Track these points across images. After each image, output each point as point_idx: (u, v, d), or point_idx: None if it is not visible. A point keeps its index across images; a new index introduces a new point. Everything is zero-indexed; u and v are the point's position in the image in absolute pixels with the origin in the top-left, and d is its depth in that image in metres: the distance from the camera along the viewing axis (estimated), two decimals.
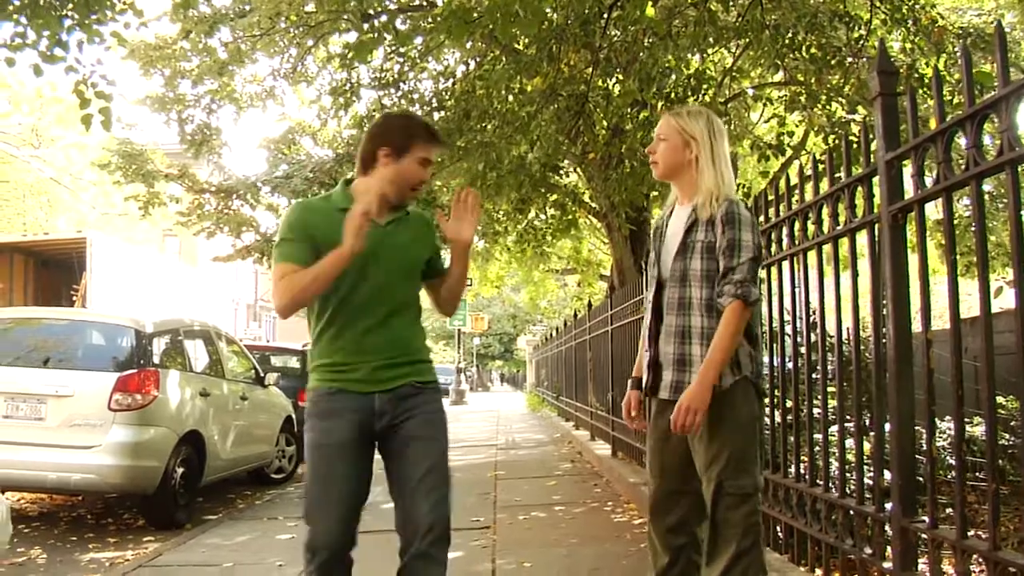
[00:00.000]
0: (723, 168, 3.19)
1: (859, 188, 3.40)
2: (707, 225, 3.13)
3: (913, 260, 3.16)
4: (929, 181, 2.89)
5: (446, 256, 3.46)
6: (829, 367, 3.95)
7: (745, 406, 3.11)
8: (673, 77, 8.47)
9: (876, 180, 3.24)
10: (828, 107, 10.34)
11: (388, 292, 3.13)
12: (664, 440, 3.24)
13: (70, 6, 7.43)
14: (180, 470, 7.39)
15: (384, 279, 3.11)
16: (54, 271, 16.63)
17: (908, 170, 3.06)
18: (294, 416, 10.86)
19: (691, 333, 3.17)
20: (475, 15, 7.10)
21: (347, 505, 3.04)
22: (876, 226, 3.24)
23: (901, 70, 3.96)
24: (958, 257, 3.04)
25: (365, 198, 2.98)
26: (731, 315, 3.03)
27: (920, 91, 6.99)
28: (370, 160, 3.17)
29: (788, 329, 4.32)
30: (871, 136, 3.33)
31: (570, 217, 13.77)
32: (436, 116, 12.27)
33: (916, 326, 3.08)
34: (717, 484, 3.03)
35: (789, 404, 4.21)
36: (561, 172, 11.40)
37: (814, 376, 4.00)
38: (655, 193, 10.84)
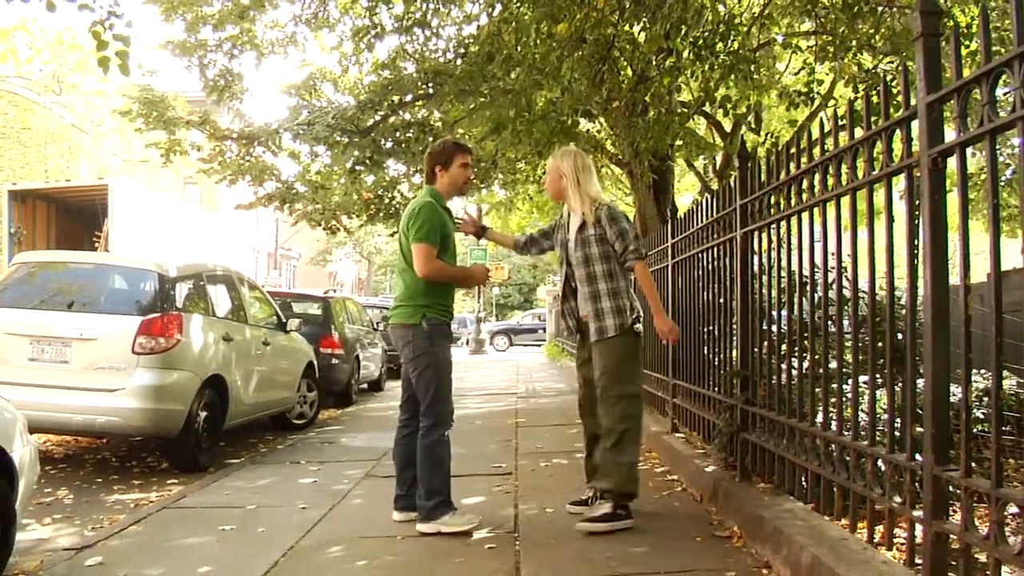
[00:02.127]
0: (586, 188, 5.06)
1: (896, 133, 3.31)
2: (594, 224, 4.98)
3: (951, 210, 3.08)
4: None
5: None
6: (861, 316, 3.88)
7: (629, 341, 4.97)
8: (701, 23, 8.30)
9: (913, 127, 3.15)
10: (859, 56, 10.15)
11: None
12: (585, 364, 5.21)
13: None
14: (203, 414, 7.44)
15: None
16: (76, 218, 16.67)
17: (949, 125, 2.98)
18: (316, 362, 10.90)
19: (599, 294, 4.99)
20: None
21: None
22: (914, 171, 3.16)
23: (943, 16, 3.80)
24: (999, 211, 2.94)
25: (482, 270, 5.56)
26: (641, 270, 5.06)
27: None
28: (431, 175, 5.14)
29: (818, 278, 4.27)
30: (910, 79, 3.23)
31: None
32: (459, 62, 12.13)
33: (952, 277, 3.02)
34: (605, 388, 4.93)
35: (818, 354, 4.16)
36: (592, 118, 11.24)
37: (845, 324, 3.94)
38: (679, 142, 10.72)
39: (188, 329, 7.36)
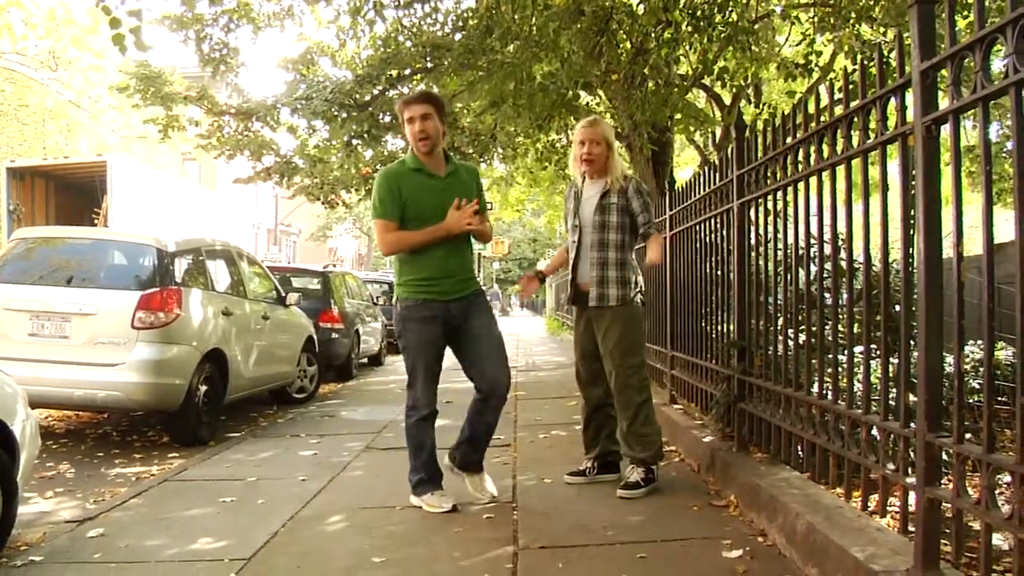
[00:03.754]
0: (618, 158, 5.17)
1: (891, 103, 3.31)
2: (619, 193, 5.02)
3: (945, 182, 3.08)
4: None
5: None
6: (856, 287, 3.89)
7: (635, 311, 5.07)
8: None
9: (908, 97, 3.15)
10: (858, 27, 10.10)
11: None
12: (584, 333, 5.23)
13: None
14: (203, 388, 7.48)
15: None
16: (75, 195, 16.64)
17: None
18: (315, 336, 10.93)
19: (607, 262, 5.02)
20: None
21: (431, 378, 4.74)
22: (908, 139, 3.16)
23: None
24: (991, 177, 2.94)
25: (456, 220, 4.59)
26: (656, 239, 4.99)
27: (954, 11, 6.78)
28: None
29: (814, 250, 4.28)
30: (905, 48, 3.22)
31: None
32: (457, 36, 12.08)
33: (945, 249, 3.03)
34: (618, 362, 4.97)
35: (814, 325, 4.17)
36: (590, 90, 11.20)
37: (840, 296, 3.95)
38: (678, 115, 10.69)
39: (187, 303, 7.38)
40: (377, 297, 16.71)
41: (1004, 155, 15.06)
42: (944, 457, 2.95)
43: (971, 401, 4.56)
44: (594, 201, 5.06)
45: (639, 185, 5.11)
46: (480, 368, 4.71)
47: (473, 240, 4.96)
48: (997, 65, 2.67)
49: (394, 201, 4.55)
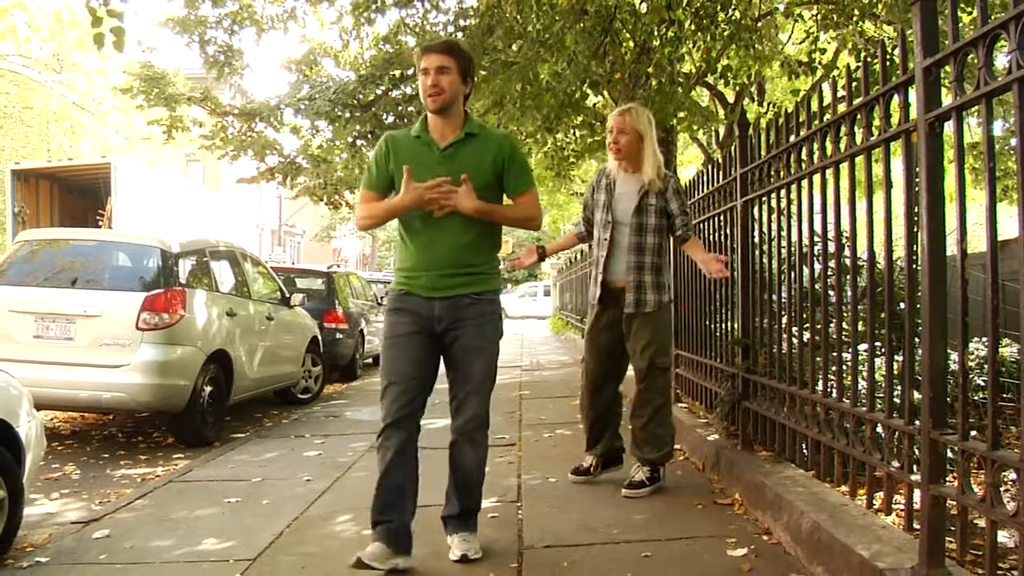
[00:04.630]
0: (657, 152, 4.91)
1: (895, 100, 3.30)
2: (657, 194, 4.85)
3: (948, 179, 3.08)
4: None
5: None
6: (860, 284, 3.89)
7: (668, 315, 5.05)
8: None
9: (911, 94, 3.15)
10: (861, 24, 10.09)
11: (447, 214, 3.69)
12: (606, 330, 5.01)
13: None
14: (208, 389, 7.49)
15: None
16: (79, 197, 16.66)
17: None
18: (320, 337, 10.94)
19: (644, 267, 4.86)
20: None
21: (408, 382, 3.72)
22: (912, 136, 3.15)
23: None
24: (995, 174, 2.94)
25: (416, 191, 3.63)
26: (696, 241, 5.05)
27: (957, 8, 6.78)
28: None
29: (817, 247, 4.28)
30: (908, 45, 3.22)
31: (598, 138, 13.59)
32: (459, 36, 12.08)
33: (949, 244, 3.03)
34: (651, 360, 4.84)
35: (818, 324, 4.17)
36: (596, 90, 11.20)
37: (844, 294, 3.95)
38: (682, 113, 10.68)
39: (192, 305, 7.39)
40: (381, 297, 16.71)
41: (1009, 151, 15.04)
42: (949, 454, 2.95)
43: (976, 398, 4.55)
44: (632, 199, 4.90)
45: (678, 185, 5.01)
46: (452, 399, 3.85)
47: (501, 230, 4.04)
48: (1001, 61, 2.66)
49: (380, 169, 3.84)
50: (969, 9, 8.40)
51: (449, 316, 3.74)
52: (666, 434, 5.00)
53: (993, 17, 2.66)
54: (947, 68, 2.91)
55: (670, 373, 5.07)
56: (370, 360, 15.03)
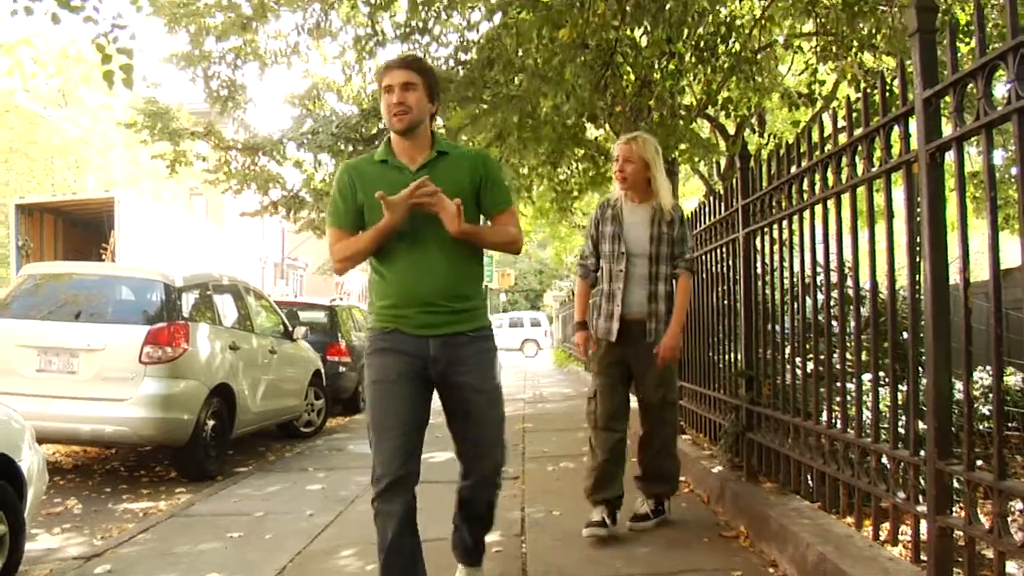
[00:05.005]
0: (666, 180, 4.79)
1: (895, 131, 3.32)
2: (668, 223, 4.71)
3: (950, 208, 3.09)
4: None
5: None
6: (863, 314, 3.88)
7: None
8: (702, 26, 8.34)
9: (912, 124, 3.16)
10: (860, 55, 10.16)
11: (427, 235, 3.29)
12: (618, 365, 4.80)
13: None
14: (211, 423, 7.47)
15: (422, 223, 3.27)
16: (83, 231, 16.73)
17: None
18: (323, 370, 10.93)
19: (659, 296, 4.72)
20: None
21: (403, 437, 3.28)
22: (912, 167, 3.17)
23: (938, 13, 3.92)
24: (996, 203, 2.94)
25: (401, 201, 3.17)
26: (686, 282, 4.85)
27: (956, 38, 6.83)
28: None
29: (820, 278, 4.28)
30: (907, 77, 3.24)
31: (600, 171, 13.64)
32: (460, 70, 12.15)
33: (952, 273, 3.04)
34: (664, 395, 4.78)
35: (821, 354, 4.16)
36: (596, 123, 11.27)
37: (847, 324, 3.95)
38: (683, 145, 10.73)
39: (195, 338, 7.38)
40: None
41: (1010, 179, 15.07)
42: (955, 484, 2.93)
43: (981, 427, 4.54)
44: (645, 229, 4.72)
45: (682, 214, 4.86)
46: (463, 444, 3.48)
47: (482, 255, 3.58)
48: (1000, 90, 2.68)
49: (347, 203, 3.38)
50: (967, 39, 8.46)
51: (446, 357, 3.32)
52: (672, 466, 4.97)
53: (991, 47, 2.68)
54: (947, 99, 2.93)
55: (677, 406, 5.01)
56: None
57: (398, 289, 3.34)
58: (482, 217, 3.50)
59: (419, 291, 3.31)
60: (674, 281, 4.81)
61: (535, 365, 26.55)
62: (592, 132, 12.82)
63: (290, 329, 10.04)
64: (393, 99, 3.28)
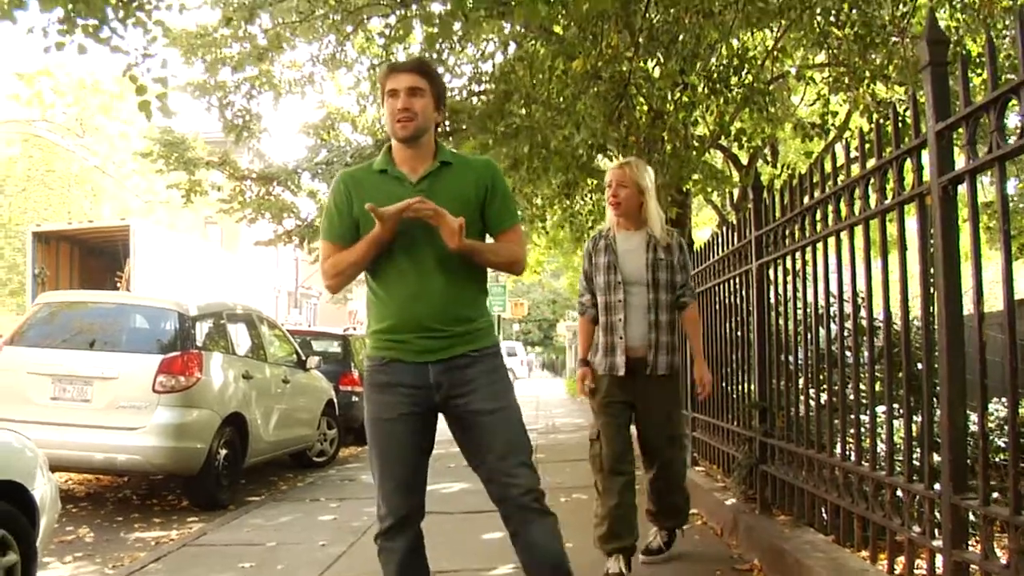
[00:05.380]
0: (658, 206, 4.68)
1: (908, 163, 3.33)
2: (664, 248, 4.56)
3: (963, 238, 3.09)
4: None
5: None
6: (876, 346, 3.87)
7: (677, 385, 4.81)
8: (715, 57, 8.38)
9: (924, 155, 3.17)
10: (872, 86, 10.18)
11: (426, 254, 3.05)
12: (625, 405, 4.56)
13: None
14: (223, 452, 7.48)
15: (421, 240, 3.03)
16: (98, 258, 16.84)
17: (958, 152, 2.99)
18: (335, 400, 10.93)
19: (661, 325, 4.52)
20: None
21: (406, 474, 3.10)
22: (926, 199, 3.17)
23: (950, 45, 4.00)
24: (1010, 236, 2.94)
25: (395, 210, 2.94)
26: (694, 312, 4.81)
27: (968, 69, 6.85)
28: None
29: (833, 309, 4.27)
30: (919, 108, 3.25)
31: None
32: (475, 100, 12.24)
33: (964, 305, 3.03)
34: (673, 432, 4.66)
35: (835, 385, 4.15)
36: (608, 154, 11.31)
37: (861, 355, 3.93)
38: (696, 176, 10.75)
39: (208, 367, 7.41)
40: None
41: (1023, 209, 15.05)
42: (971, 518, 2.91)
43: (997, 460, 4.50)
44: (640, 256, 4.55)
45: (682, 242, 4.72)
46: (481, 472, 3.15)
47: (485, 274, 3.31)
48: (1013, 120, 2.68)
49: (342, 215, 3.15)
50: (980, 70, 8.47)
51: (449, 380, 3.06)
52: (683, 499, 4.88)
53: (1004, 79, 2.68)
54: (959, 131, 2.94)
55: (687, 444, 4.94)
56: None
57: (395, 312, 3.09)
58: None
59: (417, 314, 3.05)
60: (676, 311, 4.67)
61: (547, 395, 26.45)
62: (604, 163, 12.86)
63: (303, 358, 10.06)
64: (398, 104, 3.06)
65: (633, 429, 4.68)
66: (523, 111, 10.34)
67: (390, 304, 3.10)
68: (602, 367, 4.57)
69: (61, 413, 6.99)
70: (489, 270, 3.31)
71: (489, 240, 3.24)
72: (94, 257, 16.92)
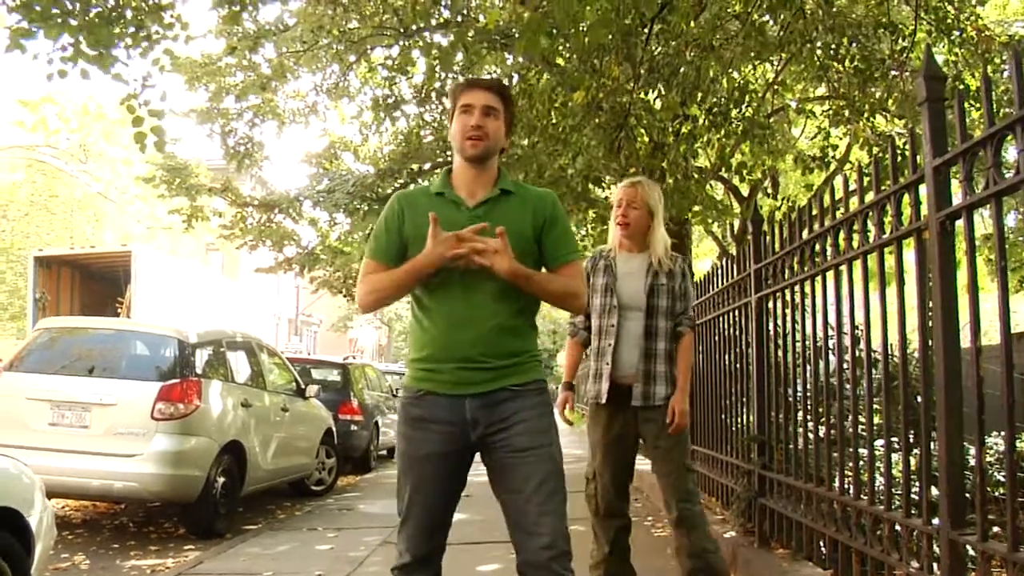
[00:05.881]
0: (664, 232, 4.39)
1: (906, 197, 3.35)
2: (667, 274, 4.27)
3: (961, 272, 3.11)
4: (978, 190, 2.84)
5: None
6: (875, 379, 3.87)
7: None
8: (716, 90, 8.44)
9: (922, 189, 3.19)
10: (872, 120, 10.24)
11: (478, 282, 2.85)
12: (618, 439, 4.28)
13: (122, 23, 7.51)
14: (221, 480, 7.44)
15: (475, 268, 2.81)
16: (100, 284, 16.86)
17: (956, 182, 3.01)
18: (334, 428, 10.91)
19: (657, 354, 4.23)
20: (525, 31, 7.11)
21: (431, 516, 2.93)
22: (924, 234, 3.19)
23: (947, 81, 4.06)
24: (1007, 273, 2.96)
25: (447, 240, 2.77)
26: (689, 341, 4.39)
27: (966, 103, 6.90)
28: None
29: (832, 342, 4.28)
30: (917, 144, 3.28)
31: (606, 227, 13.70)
32: None
33: (963, 339, 3.04)
34: (680, 463, 4.22)
35: (833, 419, 4.14)
36: (603, 185, 11.37)
37: (859, 390, 3.94)
38: (696, 208, 10.79)
39: (207, 395, 7.40)
40: (396, 390, 16.69)
41: (1022, 242, 15.07)
42: (971, 552, 2.90)
43: (996, 494, 4.49)
44: (640, 280, 4.25)
45: (685, 269, 4.38)
46: (516, 520, 2.89)
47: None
48: (1012, 152, 2.70)
49: (391, 234, 2.98)
50: (977, 104, 8.52)
51: (487, 417, 2.87)
52: (715, 549, 4.26)
53: (1002, 114, 2.71)
54: (957, 166, 2.96)
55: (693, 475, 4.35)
56: (384, 452, 14.95)
57: (435, 340, 2.91)
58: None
59: (458, 345, 2.87)
60: (675, 343, 4.32)
61: None
62: (601, 192, 12.91)
63: (302, 387, 10.04)
64: (472, 121, 2.90)
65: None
66: (524, 142, 10.39)
67: (432, 331, 2.92)
68: (591, 394, 4.31)
69: (59, 439, 6.96)
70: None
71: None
72: (95, 282, 16.94)
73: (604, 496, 4.28)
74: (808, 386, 4.46)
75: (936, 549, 3.06)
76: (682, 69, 8.15)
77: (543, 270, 2.99)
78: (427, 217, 2.82)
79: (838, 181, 4.17)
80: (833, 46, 8.89)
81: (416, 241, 2.88)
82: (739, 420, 5.68)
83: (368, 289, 2.96)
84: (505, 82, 11.21)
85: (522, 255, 2.84)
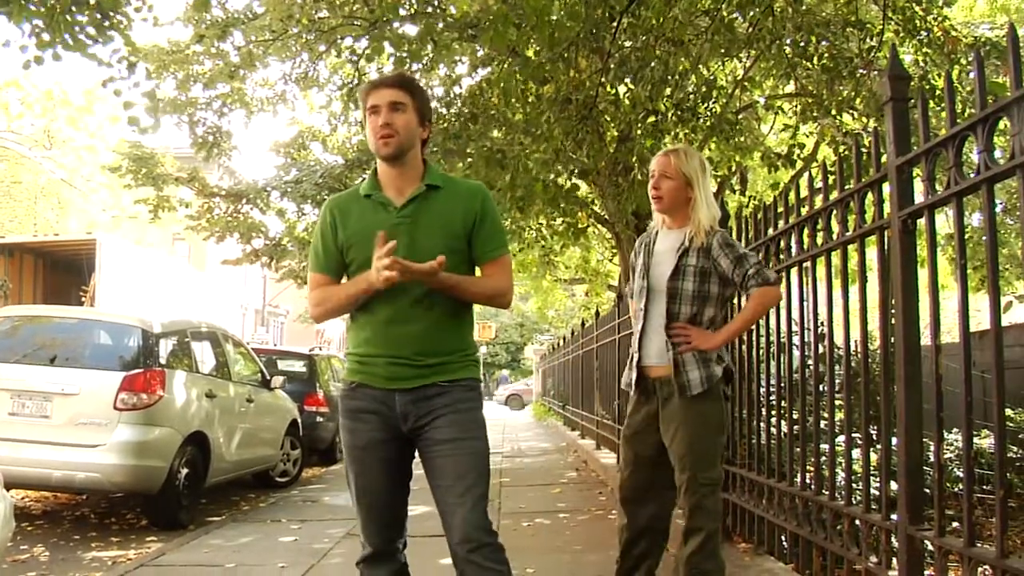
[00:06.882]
0: (711, 202, 3.82)
1: (869, 195, 3.38)
2: (699, 252, 3.73)
3: (923, 270, 3.15)
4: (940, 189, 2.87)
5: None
6: (837, 377, 3.91)
7: (716, 410, 3.70)
8: (685, 84, 8.47)
9: (886, 187, 3.23)
10: (839, 118, 10.32)
11: (412, 284, 2.84)
12: (643, 431, 3.84)
13: (87, 10, 7.43)
14: (184, 471, 7.39)
15: None
16: (63, 272, 16.66)
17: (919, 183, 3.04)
18: (300, 420, 10.86)
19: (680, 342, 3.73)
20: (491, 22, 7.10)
21: (380, 505, 3.01)
22: (886, 232, 3.22)
23: (912, 81, 4.11)
24: (969, 272, 3.00)
25: (388, 272, 2.73)
26: (758, 296, 3.64)
27: (931, 103, 6.99)
28: None
29: (795, 339, 4.31)
30: (881, 142, 3.31)
31: (581, 225, 13.75)
32: (443, 124, 12.27)
33: (924, 336, 3.08)
34: (691, 475, 3.59)
35: (796, 414, 4.18)
36: (586, 178, 11.39)
37: (822, 386, 3.97)
38: None
39: (171, 385, 7.33)
40: None
41: (985, 241, 15.24)
42: (929, 547, 2.94)
43: (955, 490, 4.55)
44: (669, 260, 3.81)
45: (725, 237, 3.82)
46: (442, 510, 2.93)
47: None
48: (976, 154, 2.73)
49: (327, 246, 3.04)
50: (942, 105, 8.62)
51: (416, 411, 2.92)
52: (715, 569, 3.68)
53: (967, 113, 2.75)
54: (920, 165, 2.99)
55: (719, 491, 3.77)
56: None
57: (370, 335, 2.97)
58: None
59: (391, 341, 2.92)
60: (712, 324, 3.81)
61: (513, 419, 26.45)
62: (584, 189, 12.93)
63: (268, 378, 9.99)
64: (379, 120, 2.92)
65: None
66: (495, 134, 10.36)
67: (367, 327, 2.98)
68: (623, 383, 4.06)
69: (19, 429, 6.87)
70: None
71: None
72: (59, 271, 16.73)
73: (626, 482, 3.96)
74: (772, 382, 4.49)
75: (895, 544, 3.10)
76: (651, 63, 8.16)
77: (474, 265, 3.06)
78: (360, 220, 2.97)
79: (804, 179, 4.19)
80: (802, 44, 8.95)
81: (353, 244, 2.97)
82: None
83: (317, 302, 3.04)
84: (476, 73, 11.22)
85: (450, 250, 2.87)
